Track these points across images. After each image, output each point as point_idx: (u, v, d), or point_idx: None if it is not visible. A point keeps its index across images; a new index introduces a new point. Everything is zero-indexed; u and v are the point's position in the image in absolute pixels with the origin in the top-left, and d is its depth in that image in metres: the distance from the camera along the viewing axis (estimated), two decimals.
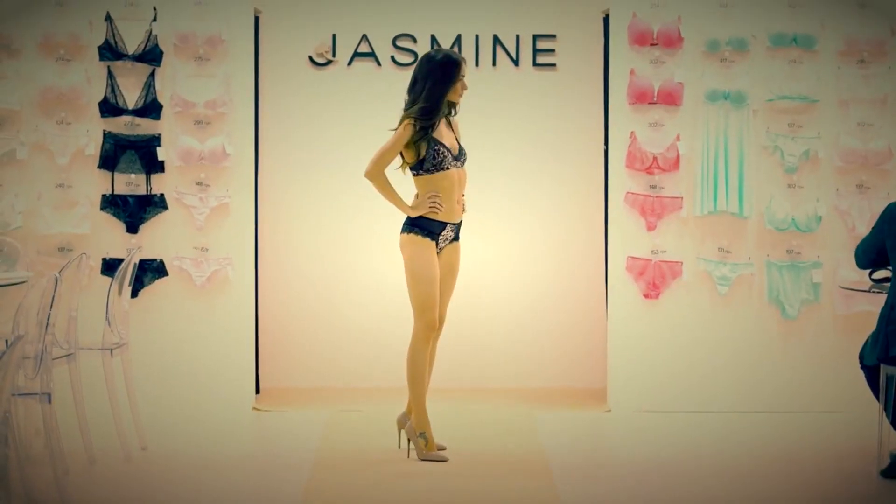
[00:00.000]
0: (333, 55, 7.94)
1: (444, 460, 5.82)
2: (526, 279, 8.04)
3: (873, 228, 5.74)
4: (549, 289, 8.03)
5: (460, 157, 5.88)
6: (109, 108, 7.17)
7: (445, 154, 5.80)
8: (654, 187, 7.25)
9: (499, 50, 7.94)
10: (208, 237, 7.26)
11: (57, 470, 5.10)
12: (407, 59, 7.88)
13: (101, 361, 5.95)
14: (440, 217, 5.84)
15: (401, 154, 5.86)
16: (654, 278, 7.23)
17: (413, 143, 5.78)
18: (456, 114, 5.95)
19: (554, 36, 7.97)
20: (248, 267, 7.31)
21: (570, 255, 8.02)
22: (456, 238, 5.95)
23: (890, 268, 5.76)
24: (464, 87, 5.86)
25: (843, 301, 7.22)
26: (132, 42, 7.17)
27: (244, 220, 7.30)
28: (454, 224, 5.91)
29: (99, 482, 5.50)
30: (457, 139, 5.91)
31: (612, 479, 5.73)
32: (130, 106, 7.18)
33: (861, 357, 5.77)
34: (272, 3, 7.80)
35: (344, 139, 7.92)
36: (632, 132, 7.23)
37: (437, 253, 5.89)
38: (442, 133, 5.84)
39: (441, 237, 5.88)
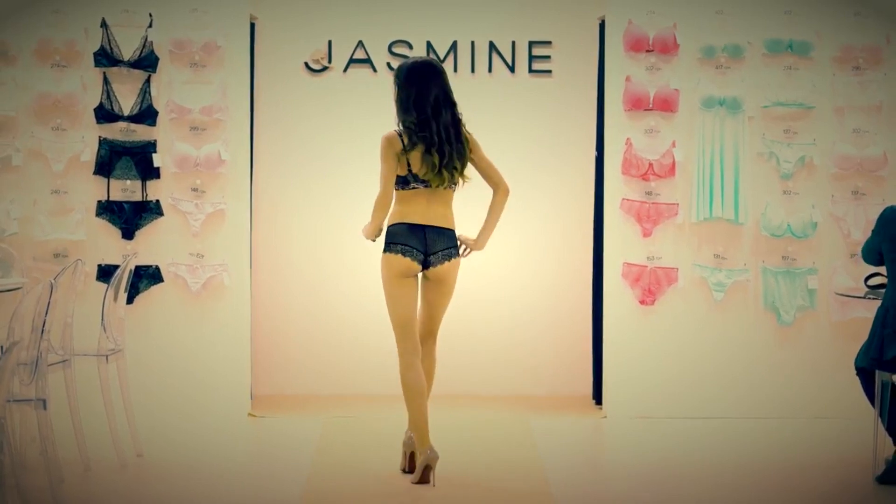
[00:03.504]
0: (329, 61, 7.93)
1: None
2: (518, 285, 8.01)
3: (872, 231, 5.77)
4: (541, 295, 8.00)
5: None
6: (105, 114, 7.17)
7: None
8: (649, 194, 7.25)
9: (494, 56, 7.93)
10: (204, 243, 7.25)
11: (52, 477, 5.09)
12: None
13: (97, 368, 5.94)
14: None
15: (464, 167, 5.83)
16: (650, 285, 7.23)
17: None
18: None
19: (550, 42, 7.97)
20: (243, 273, 7.30)
21: (564, 261, 8.00)
22: None
23: (885, 272, 5.77)
24: None
25: (839, 307, 7.22)
26: (128, 48, 7.16)
27: (240, 226, 7.30)
28: None
29: (94, 489, 5.50)
30: None
31: (608, 485, 5.73)
32: (126, 112, 7.17)
33: (857, 362, 5.78)
34: (268, 9, 7.80)
35: (340, 145, 7.91)
36: (627, 138, 7.24)
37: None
38: None
39: None
